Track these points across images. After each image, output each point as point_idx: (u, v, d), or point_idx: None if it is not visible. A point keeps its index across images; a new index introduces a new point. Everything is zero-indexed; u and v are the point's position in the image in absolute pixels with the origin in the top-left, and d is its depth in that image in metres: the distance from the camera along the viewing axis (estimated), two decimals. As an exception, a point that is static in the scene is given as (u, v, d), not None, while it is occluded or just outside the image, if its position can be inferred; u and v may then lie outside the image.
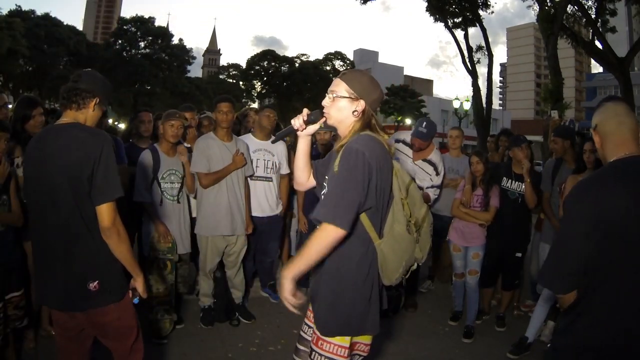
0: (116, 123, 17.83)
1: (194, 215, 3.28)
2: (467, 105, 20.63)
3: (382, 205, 1.50)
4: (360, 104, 1.54)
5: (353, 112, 1.54)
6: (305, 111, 1.65)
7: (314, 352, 1.56)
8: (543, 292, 3.06)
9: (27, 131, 2.60)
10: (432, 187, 3.41)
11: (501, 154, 4.68)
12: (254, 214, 3.37)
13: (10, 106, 3.19)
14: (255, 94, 43.19)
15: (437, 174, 3.39)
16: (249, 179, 3.35)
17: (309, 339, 1.64)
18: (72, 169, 1.54)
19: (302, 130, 1.66)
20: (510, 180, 3.38)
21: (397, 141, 3.61)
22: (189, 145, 3.52)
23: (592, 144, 2.89)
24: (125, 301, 1.70)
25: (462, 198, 3.33)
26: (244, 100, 42.17)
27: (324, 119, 1.62)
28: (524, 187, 3.31)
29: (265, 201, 3.48)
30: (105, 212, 1.56)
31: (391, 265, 1.49)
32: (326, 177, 1.60)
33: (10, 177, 2.30)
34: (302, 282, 4.07)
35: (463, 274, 3.42)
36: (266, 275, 3.83)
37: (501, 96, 78.11)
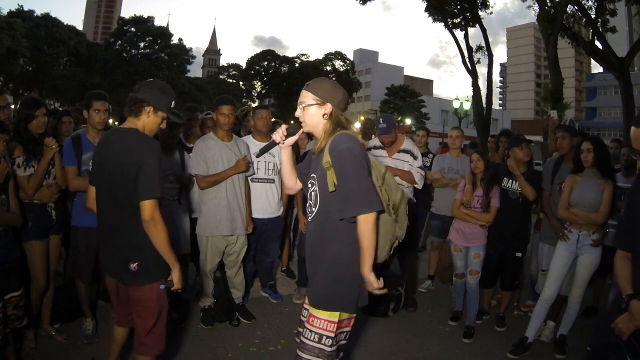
0: (116, 123, 17.81)
1: (193, 215, 3.28)
2: (467, 105, 20.62)
3: None
4: (328, 107, 1.75)
5: (323, 115, 1.75)
6: (284, 126, 1.85)
7: (305, 330, 1.75)
8: (543, 292, 3.06)
9: (29, 131, 2.60)
10: (417, 168, 3.48)
11: (501, 154, 4.68)
12: (256, 215, 3.37)
13: (12, 107, 3.19)
14: (255, 94, 43.19)
15: (415, 157, 3.46)
16: (250, 180, 3.35)
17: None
18: (123, 169, 1.85)
19: (283, 143, 1.85)
20: (510, 181, 3.38)
21: (370, 149, 3.64)
22: (191, 146, 3.53)
23: (590, 143, 2.91)
24: (156, 286, 1.94)
25: (462, 198, 3.33)
26: (244, 100, 42.17)
27: (301, 130, 1.82)
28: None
29: (267, 203, 3.48)
30: (145, 207, 1.82)
31: (379, 245, 1.72)
32: (311, 175, 1.81)
33: (9, 177, 2.30)
34: (302, 282, 4.09)
35: (463, 274, 3.42)
36: (266, 275, 3.83)
37: (501, 96, 78.15)
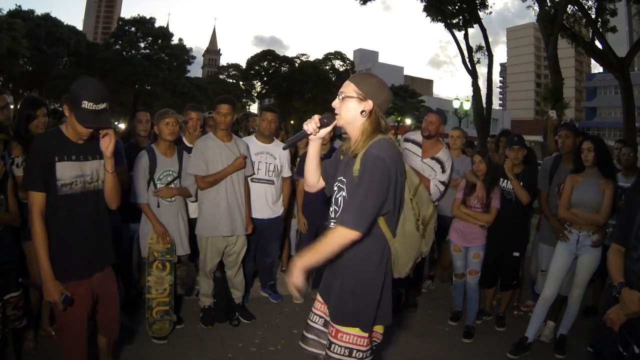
0: (116, 123, 17.86)
1: (193, 216, 3.28)
2: (467, 106, 20.63)
3: (397, 208, 1.61)
4: (368, 104, 1.61)
5: (361, 112, 1.61)
6: (317, 116, 1.68)
7: (333, 345, 1.63)
8: (543, 292, 3.05)
9: (30, 131, 2.59)
10: (438, 181, 3.41)
11: (501, 154, 4.68)
12: (256, 216, 3.37)
13: (12, 107, 3.18)
14: (255, 94, 43.18)
15: (443, 171, 3.38)
16: (250, 181, 3.35)
17: (320, 328, 1.77)
18: None
19: (315, 135, 1.70)
20: (506, 181, 3.38)
21: (407, 140, 3.61)
22: (191, 145, 3.52)
23: (591, 142, 2.90)
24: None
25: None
26: (244, 100, 42.17)
27: (335, 122, 1.67)
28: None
29: (266, 204, 3.48)
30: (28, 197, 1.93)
31: (402, 260, 1.63)
32: (339, 178, 1.68)
33: (8, 177, 2.29)
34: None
35: (463, 274, 3.42)
36: (266, 275, 3.82)
37: (501, 96, 78.12)
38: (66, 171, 1.87)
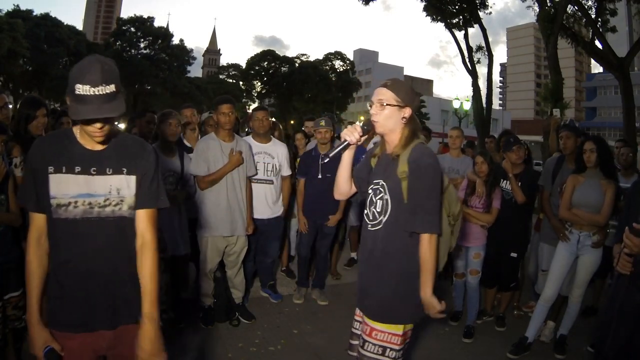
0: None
1: (193, 215, 3.28)
2: (467, 105, 20.65)
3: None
4: (407, 111, 1.66)
5: (402, 118, 1.66)
6: (357, 126, 1.69)
7: (367, 343, 1.68)
8: (543, 292, 3.05)
9: (29, 132, 2.58)
10: None
11: (502, 155, 4.68)
12: (255, 216, 3.36)
13: (10, 106, 3.18)
14: (255, 94, 43.21)
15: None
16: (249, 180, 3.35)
17: (360, 333, 1.77)
18: None
19: (359, 143, 1.71)
20: (505, 181, 3.38)
21: (376, 143, 3.64)
22: (190, 145, 3.53)
23: (593, 143, 2.90)
24: None
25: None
26: (244, 100, 42.19)
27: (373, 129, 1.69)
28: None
29: (266, 203, 3.48)
30: None
31: (440, 255, 1.70)
32: (375, 181, 1.71)
33: (8, 177, 2.29)
34: (302, 282, 4.08)
35: (464, 273, 3.41)
36: (266, 275, 3.82)
37: (501, 96, 78.16)
38: (62, 187, 1.36)
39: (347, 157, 1.79)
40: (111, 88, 1.26)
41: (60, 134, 1.48)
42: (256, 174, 3.37)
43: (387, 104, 1.64)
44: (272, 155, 3.51)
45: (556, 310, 3.22)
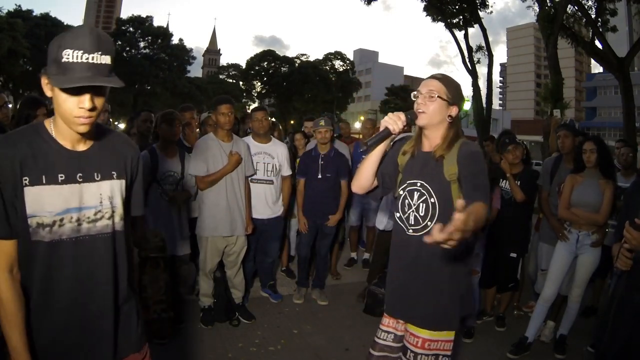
0: (116, 123, 17.87)
1: (193, 215, 3.28)
2: (467, 105, 20.64)
3: None
4: (454, 110, 1.56)
5: (448, 116, 1.55)
6: (401, 114, 1.53)
7: (419, 355, 1.58)
8: (543, 292, 3.06)
9: None
10: None
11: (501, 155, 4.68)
12: (255, 216, 3.37)
13: (10, 106, 3.19)
14: (255, 94, 43.21)
15: None
16: (249, 181, 3.35)
17: (390, 344, 1.71)
18: None
19: (398, 134, 1.55)
20: (505, 181, 3.38)
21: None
22: (190, 145, 3.53)
23: (593, 143, 2.90)
24: None
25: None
26: (244, 100, 42.19)
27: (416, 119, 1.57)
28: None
29: (266, 204, 3.48)
30: None
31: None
32: (413, 182, 1.58)
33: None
34: (302, 282, 4.08)
35: (463, 274, 3.41)
36: (266, 275, 3.82)
37: (501, 96, 78.12)
38: (45, 201, 1.07)
39: (378, 152, 1.62)
40: (107, 59, 1.03)
41: (29, 130, 1.13)
42: (255, 173, 3.37)
43: (438, 96, 1.51)
44: (272, 156, 3.51)
45: (556, 310, 3.22)
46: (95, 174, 1.15)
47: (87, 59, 1.00)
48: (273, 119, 4.52)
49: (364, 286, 3.78)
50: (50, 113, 3.24)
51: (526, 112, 61.62)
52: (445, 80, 1.55)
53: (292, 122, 36.19)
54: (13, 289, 1.07)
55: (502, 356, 3.02)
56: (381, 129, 1.53)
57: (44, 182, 1.08)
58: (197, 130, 3.96)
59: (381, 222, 3.63)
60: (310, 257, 3.90)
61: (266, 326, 3.28)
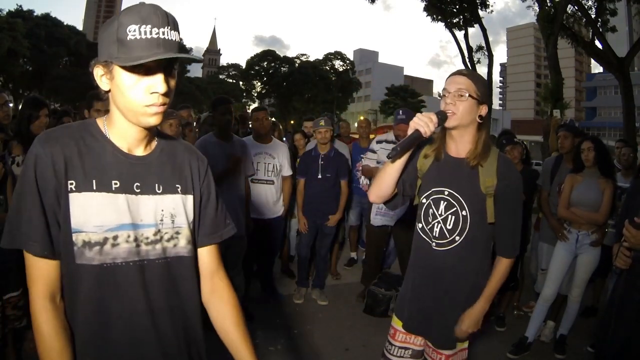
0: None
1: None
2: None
3: None
4: (484, 110, 1.42)
5: (478, 116, 1.42)
6: (432, 115, 1.35)
7: None
8: (542, 292, 3.05)
9: (31, 132, 2.58)
10: None
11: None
12: (255, 216, 3.36)
13: (11, 105, 3.19)
14: (255, 94, 43.24)
15: None
16: (250, 181, 3.35)
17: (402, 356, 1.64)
18: None
19: (428, 135, 1.37)
20: None
21: (379, 142, 3.68)
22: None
23: (591, 142, 2.90)
24: None
25: None
26: (244, 100, 42.21)
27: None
28: None
29: (267, 204, 3.48)
30: None
31: None
32: (440, 189, 1.47)
33: (7, 177, 2.29)
34: (302, 282, 4.08)
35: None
36: (266, 275, 3.82)
37: (501, 96, 78.15)
38: (94, 212, 0.86)
39: (402, 160, 1.43)
40: (176, 36, 0.86)
41: (77, 126, 0.92)
42: (254, 173, 3.36)
43: (468, 95, 1.37)
44: (272, 156, 3.51)
45: (556, 310, 3.22)
46: (156, 185, 0.93)
47: (158, 33, 0.82)
48: (273, 119, 4.51)
49: (364, 286, 3.78)
50: (51, 114, 3.26)
51: (526, 112, 61.66)
52: (473, 77, 1.42)
53: (292, 122, 36.20)
54: (55, 320, 0.85)
55: (502, 356, 3.02)
56: (409, 132, 1.34)
57: (94, 188, 0.86)
58: (197, 130, 3.95)
59: (376, 218, 3.64)
60: (310, 257, 3.90)
61: (266, 326, 3.28)
